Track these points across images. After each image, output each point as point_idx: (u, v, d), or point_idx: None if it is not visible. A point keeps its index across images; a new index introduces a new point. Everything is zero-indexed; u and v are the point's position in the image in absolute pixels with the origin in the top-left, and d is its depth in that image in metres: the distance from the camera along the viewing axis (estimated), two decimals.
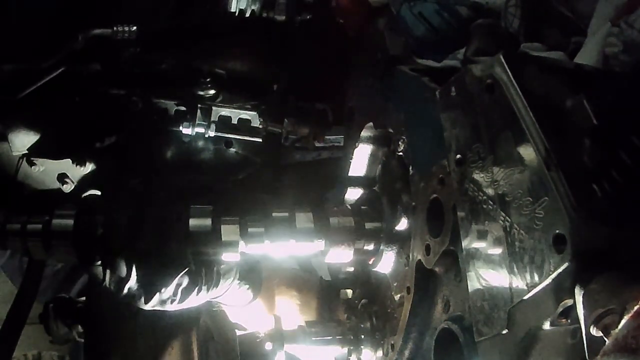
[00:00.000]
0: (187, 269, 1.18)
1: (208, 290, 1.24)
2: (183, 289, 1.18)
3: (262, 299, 1.58)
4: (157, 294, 1.15)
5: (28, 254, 1.24)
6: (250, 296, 1.43)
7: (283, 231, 1.27)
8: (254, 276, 1.41)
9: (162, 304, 1.18)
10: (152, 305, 1.17)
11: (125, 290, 1.14)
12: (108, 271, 1.14)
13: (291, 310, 1.65)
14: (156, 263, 1.15)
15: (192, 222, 1.23)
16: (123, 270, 1.13)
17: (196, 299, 1.23)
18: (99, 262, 1.16)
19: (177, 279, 1.16)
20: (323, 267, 1.72)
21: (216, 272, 1.26)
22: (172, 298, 1.18)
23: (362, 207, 1.36)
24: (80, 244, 1.19)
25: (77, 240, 1.19)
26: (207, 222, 1.24)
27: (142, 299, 1.16)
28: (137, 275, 1.14)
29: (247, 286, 1.39)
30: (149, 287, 1.15)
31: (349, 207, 1.37)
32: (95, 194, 1.79)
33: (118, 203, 1.21)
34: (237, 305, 1.47)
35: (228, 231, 1.24)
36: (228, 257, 1.25)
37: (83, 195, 1.79)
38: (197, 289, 1.21)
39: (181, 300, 1.20)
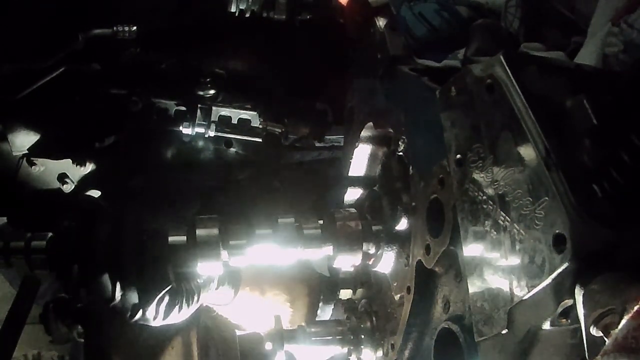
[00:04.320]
0: (169, 287, 1.19)
1: (189, 305, 1.25)
2: (165, 306, 1.19)
3: (252, 296, 1.58)
4: (140, 311, 1.16)
5: (33, 271, 1.23)
6: (231, 295, 1.44)
7: (291, 238, 1.26)
8: (233, 276, 1.42)
9: (145, 320, 1.19)
10: (135, 321, 1.18)
11: (111, 307, 1.15)
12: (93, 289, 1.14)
13: (279, 308, 1.65)
14: (138, 282, 1.16)
15: (198, 232, 1.23)
16: (108, 290, 1.14)
17: (178, 316, 1.24)
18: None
19: (158, 297, 1.17)
20: (322, 265, 1.71)
21: (196, 287, 1.27)
22: (155, 315, 1.19)
23: (367, 210, 1.36)
24: (58, 264, 1.19)
25: (54, 260, 1.19)
26: (214, 231, 1.23)
27: (127, 316, 1.17)
28: (120, 295, 1.14)
29: (228, 286, 1.40)
30: (133, 306, 1.16)
31: (354, 210, 1.36)
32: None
33: (95, 221, 1.20)
34: (218, 304, 1.47)
35: (234, 238, 1.24)
36: (235, 262, 1.25)
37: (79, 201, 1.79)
38: (178, 305, 1.22)
39: (164, 317, 1.21)
